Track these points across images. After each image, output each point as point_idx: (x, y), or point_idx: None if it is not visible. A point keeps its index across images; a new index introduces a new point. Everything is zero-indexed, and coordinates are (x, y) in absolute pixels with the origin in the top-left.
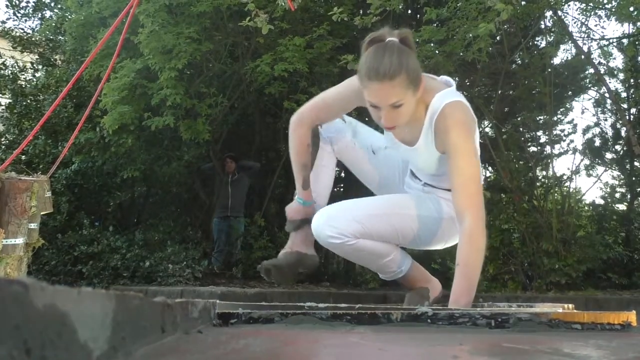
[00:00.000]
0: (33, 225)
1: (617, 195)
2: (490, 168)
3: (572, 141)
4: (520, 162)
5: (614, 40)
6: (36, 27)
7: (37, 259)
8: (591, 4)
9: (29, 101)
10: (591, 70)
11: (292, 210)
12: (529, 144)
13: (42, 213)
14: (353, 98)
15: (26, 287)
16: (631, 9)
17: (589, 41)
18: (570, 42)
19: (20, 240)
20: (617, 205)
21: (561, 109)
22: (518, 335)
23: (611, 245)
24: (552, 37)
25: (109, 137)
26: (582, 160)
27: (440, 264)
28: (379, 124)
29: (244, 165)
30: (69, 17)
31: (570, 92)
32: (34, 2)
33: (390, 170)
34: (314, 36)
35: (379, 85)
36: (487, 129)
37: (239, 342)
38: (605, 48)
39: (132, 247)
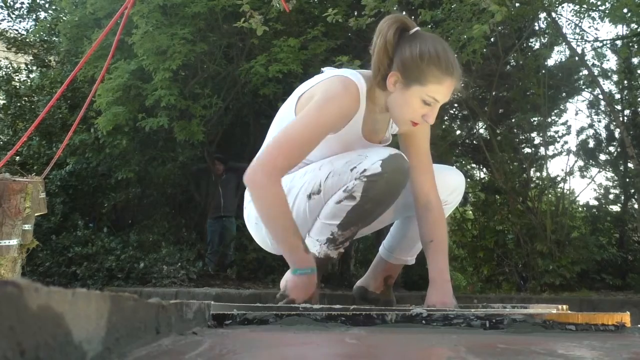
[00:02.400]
0: (27, 227)
1: (611, 196)
2: (484, 169)
3: (566, 142)
4: (515, 164)
5: (608, 42)
6: (30, 28)
7: (31, 260)
8: (585, 6)
9: (23, 102)
10: (585, 72)
11: (309, 286)
12: (523, 146)
13: (36, 214)
14: (339, 124)
15: (20, 288)
16: (625, 10)
17: (583, 43)
18: (564, 43)
19: (14, 242)
20: (611, 206)
21: (555, 111)
22: (512, 337)
23: (605, 247)
24: (546, 39)
25: (103, 138)
26: (576, 161)
27: None
28: (414, 121)
29: (232, 167)
30: (64, 18)
31: (564, 94)
32: (28, 3)
33: None
34: (308, 37)
35: (451, 81)
36: (481, 131)
37: (233, 343)
38: (599, 50)
39: (126, 249)
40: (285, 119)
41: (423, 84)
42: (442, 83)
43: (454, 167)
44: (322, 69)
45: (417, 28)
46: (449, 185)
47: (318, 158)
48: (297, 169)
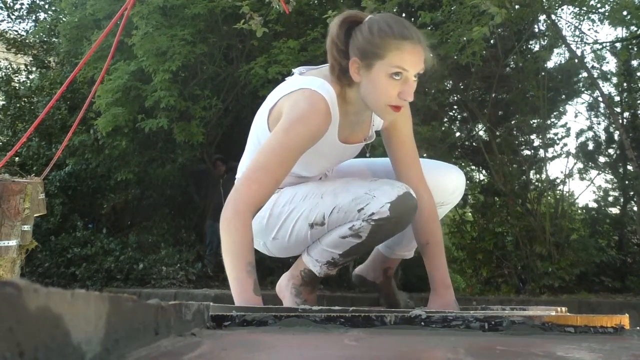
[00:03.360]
0: (26, 228)
1: (610, 198)
2: (483, 171)
3: (565, 145)
4: (514, 166)
5: (607, 44)
6: (30, 29)
7: (31, 261)
8: (584, 8)
9: (22, 103)
10: (584, 74)
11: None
12: (523, 148)
13: (35, 215)
14: (310, 144)
15: (19, 289)
16: (624, 13)
17: (583, 45)
18: (563, 46)
19: (13, 243)
20: (610, 208)
21: (555, 113)
22: (511, 339)
23: (604, 249)
24: (546, 41)
25: (102, 139)
26: (575, 163)
27: None
28: (392, 104)
29: (234, 167)
30: (63, 19)
31: (563, 96)
32: (28, 4)
33: None
34: (308, 39)
35: (412, 46)
36: (481, 133)
37: (232, 344)
38: (598, 52)
39: (125, 250)
40: (261, 133)
41: (382, 57)
42: (402, 48)
43: (453, 165)
44: (292, 70)
45: (370, 16)
46: (448, 187)
47: (297, 169)
48: (293, 180)
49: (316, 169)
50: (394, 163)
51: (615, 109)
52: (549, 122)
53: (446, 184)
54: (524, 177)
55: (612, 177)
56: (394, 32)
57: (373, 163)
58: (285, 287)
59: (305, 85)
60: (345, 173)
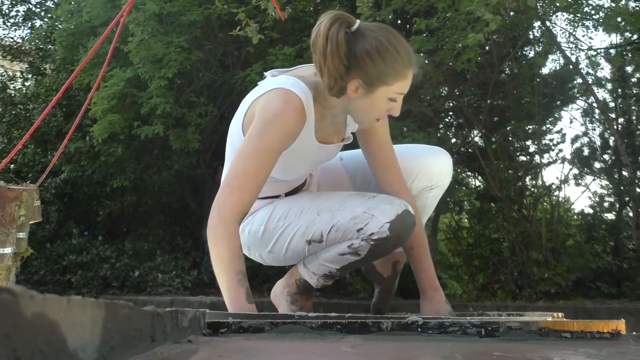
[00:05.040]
0: (22, 235)
1: (606, 204)
2: (479, 177)
3: (560, 150)
4: (510, 172)
5: (602, 50)
6: (26, 36)
7: (26, 268)
8: (579, 15)
9: (18, 110)
10: (579, 80)
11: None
12: (518, 154)
13: (31, 222)
14: (286, 144)
15: (15, 295)
16: (619, 19)
17: (577, 51)
18: (558, 52)
19: (8, 250)
20: (606, 214)
21: (550, 119)
22: (508, 344)
23: (600, 255)
24: (541, 48)
25: (98, 146)
26: (570, 169)
27: None
28: (378, 118)
29: None
30: (59, 26)
31: (558, 102)
32: (24, 11)
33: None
34: (303, 46)
35: (413, 71)
36: (476, 139)
37: (228, 351)
38: (593, 58)
39: (121, 257)
40: (237, 140)
41: (389, 84)
42: (407, 76)
43: (437, 147)
44: (264, 73)
45: (359, 21)
46: (434, 170)
47: (277, 173)
48: (274, 186)
49: (295, 171)
50: (372, 165)
51: (610, 114)
52: (544, 128)
53: (432, 167)
54: (520, 183)
55: (607, 182)
56: (404, 61)
57: (347, 165)
58: (280, 294)
59: (277, 85)
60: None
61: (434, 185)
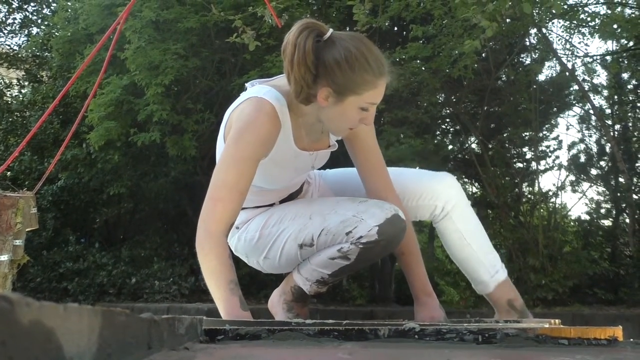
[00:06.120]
0: (18, 242)
1: (603, 211)
2: (476, 184)
3: (557, 157)
4: (507, 178)
5: (598, 57)
6: (23, 43)
7: (22, 275)
8: (575, 22)
9: (15, 117)
10: (576, 87)
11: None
12: (515, 160)
13: (27, 229)
14: (263, 151)
15: (12, 302)
16: (614, 26)
17: (573, 58)
18: (554, 59)
19: (5, 257)
20: (602, 220)
21: (546, 126)
22: (505, 351)
23: (597, 261)
24: (537, 54)
25: (95, 153)
26: (567, 176)
27: None
28: (351, 127)
29: None
30: (56, 33)
31: (555, 109)
32: (20, 18)
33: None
34: None
35: (384, 81)
36: (473, 145)
37: (225, 358)
38: (589, 65)
39: (118, 264)
40: (220, 148)
41: (359, 94)
42: (378, 86)
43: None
44: (245, 84)
45: (331, 30)
46: (440, 196)
47: (262, 182)
48: (258, 195)
49: (279, 180)
50: (359, 171)
51: (607, 121)
52: (540, 134)
53: (437, 192)
54: (517, 189)
55: (604, 189)
56: (374, 71)
57: (345, 173)
58: (277, 302)
59: (251, 95)
60: (330, 186)
61: (444, 212)
